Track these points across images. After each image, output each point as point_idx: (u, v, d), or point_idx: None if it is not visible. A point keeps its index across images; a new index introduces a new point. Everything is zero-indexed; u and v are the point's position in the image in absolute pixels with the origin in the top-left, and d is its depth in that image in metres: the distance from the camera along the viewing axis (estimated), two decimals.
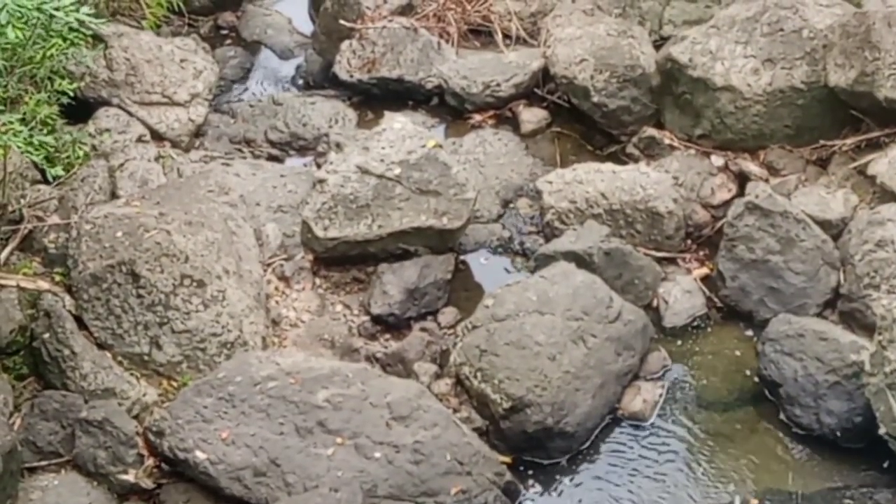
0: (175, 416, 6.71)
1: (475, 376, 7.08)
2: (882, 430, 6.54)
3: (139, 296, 7.23)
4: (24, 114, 7.53)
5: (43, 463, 6.74)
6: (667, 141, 8.82)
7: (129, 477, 6.66)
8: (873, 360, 6.64)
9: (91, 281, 7.25)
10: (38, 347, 7.09)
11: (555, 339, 7.11)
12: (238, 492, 6.44)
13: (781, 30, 8.56)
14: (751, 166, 8.52)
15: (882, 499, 6.63)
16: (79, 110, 8.50)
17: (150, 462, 6.73)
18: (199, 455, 6.53)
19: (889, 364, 6.52)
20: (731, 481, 6.88)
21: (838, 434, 6.91)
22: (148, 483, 6.68)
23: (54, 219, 7.78)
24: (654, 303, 7.83)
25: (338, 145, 8.74)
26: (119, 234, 7.33)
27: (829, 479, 6.83)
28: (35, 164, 7.80)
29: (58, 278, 7.43)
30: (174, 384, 7.12)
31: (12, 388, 6.93)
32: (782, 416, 7.11)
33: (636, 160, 8.76)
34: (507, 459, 6.84)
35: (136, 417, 6.90)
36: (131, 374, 7.13)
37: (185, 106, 9.05)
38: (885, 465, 6.71)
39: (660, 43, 9.27)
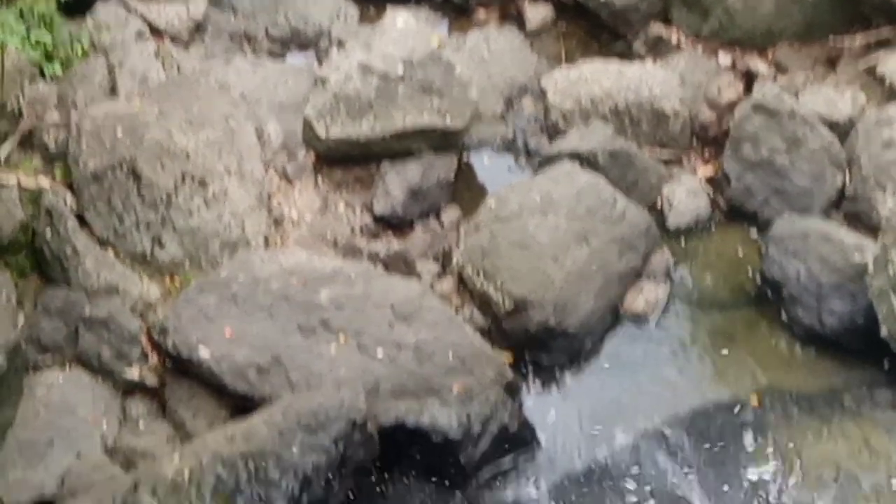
0: (178, 314, 6.73)
1: (478, 276, 7.08)
2: (884, 332, 6.55)
3: (140, 194, 7.20)
4: (21, 10, 7.42)
5: (48, 360, 6.78)
6: (674, 39, 8.69)
7: (134, 374, 6.71)
8: (877, 262, 6.63)
9: (92, 179, 7.22)
10: (39, 245, 7.08)
11: (558, 239, 7.10)
12: (242, 389, 6.48)
13: None
14: (758, 64, 8.40)
15: (882, 399, 6.67)
16: (77, 5, 8.36)
17: (154, 359, 6.76)
18: (203, 353, 6.56)
19: (893, 265, 6.50)
20: (732, 381, 6.92)
21: (840, 335, 6.93)
22: (152, 380, 6.73)
23: (54, 116, 7.70)
24: (659, 203, 7.78)
25: (339, 42, 8.62)
26: (119, 132, 7.28)
27: (830, 380, 6.87)
28: (33, 62, 7.70)
29: (58, 176, 7.38)
30: (177, 283, 7.12)
31: (15, 285, 6.93)
32: (784, 317, 7.11)
33: (642, 58, 8.65)
34: (509, 359, 6.87)
35: (139, 315, 6.91)
36: (134, 272, 7.13)
37: (185, 1, 8.90)
38: (886, 365, 6.73)
39: None
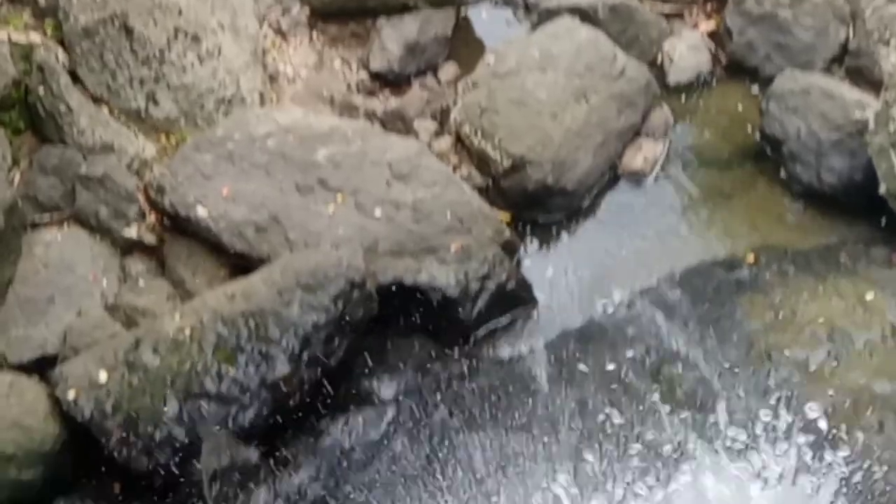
0: (175, 172, 6.69)
1: (475, 134, 7.03)
2: (882, 189, 6.55)
3: (133, 50, 7.08)
4: None
5: (45, 218, 6.77)
6: None
7: (132, 232, 6.71)
8: (878, 118, 6.58)
9: (83, 34, 7.08)
10: (33, 102, 6.98)
11: (557, 96, 7.03)
12: (240, 247, 6.49)
13: None
14: None
15: (877, 256, 6.70)
16: None
17: (151, 218, 6.75)
18: (201, 211, 6.55)
19: (894, 122, 6.46)
20: (730, 237, 6.95)
21: (838, 192, 6.92)
22: (151, 239, 6.73)
23: None
24: (659, 59, 7.69)
25: None
26: None
27: (827, 236, 6.90)
28: None
29: (49, 32, 7.23)
30: (172, 141, 7.06)
31: (10, 143, 6.87)
32: (783, 174, 7.10)
33: None
34: (507, 217, 6.88)
35: (135, 173, 6.87)
36: (129, 130, 7.06)
37: None
38: (883, 223, 6.74)
39: None
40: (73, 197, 6.75)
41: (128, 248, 6.74)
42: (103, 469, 5.84)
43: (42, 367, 6.22)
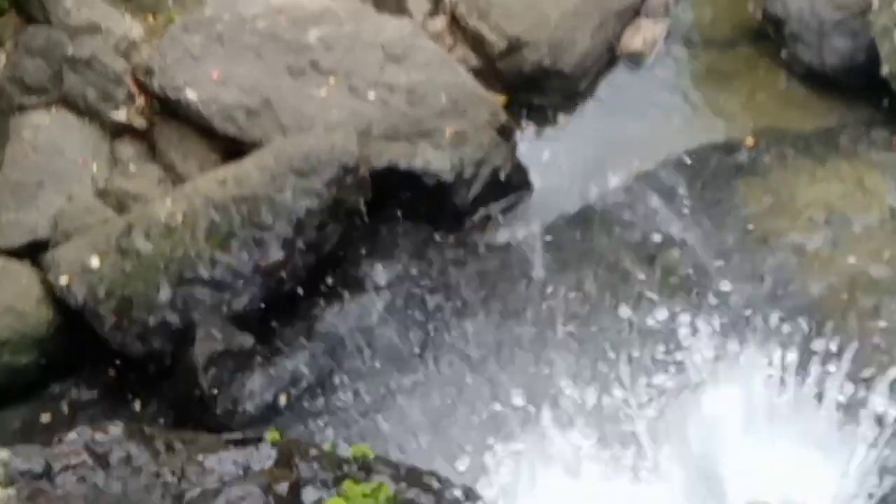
0: (163, 54, 6.55)
1: (471, 15, 6.89)
2: (884, 70, 6.45)
3: None
4: None
5: (33, 101, 6.65)
6: None
7: (121, 116, 6.60)
8: None
9: None
10: None
11: None
12: (231, 132, 6.39)
13: None
14: None
15: (878, 138, 6.62)
16: None
17: (141, 101, 6.63)
18: (190, 94, 6.43)
19: None
20: (729, 120, 6.89)
21: (839, 73, 6.82)
22: (140, 122, 6.63)
23: None
24: None
25: None
26: None
27: (827, 119, 6.81)
28: None
29: None
30: (160, 21, 6.89)
31: None
32: (784, 55, 6.98)
33: None
34: (503, 100, 6.77)
35: (123, 55, 6.73)
36: (115, 10, 6.89)
37: None
38: (884, 104, 6.64)
39: None
40: (61, 79, 6.62)
41: (117, 131, 6.63)
42: (98, 354, 5.85)
43: (34, 252, 6.18)
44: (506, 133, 6.56)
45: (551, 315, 5.87)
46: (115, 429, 4.06)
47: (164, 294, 5.75)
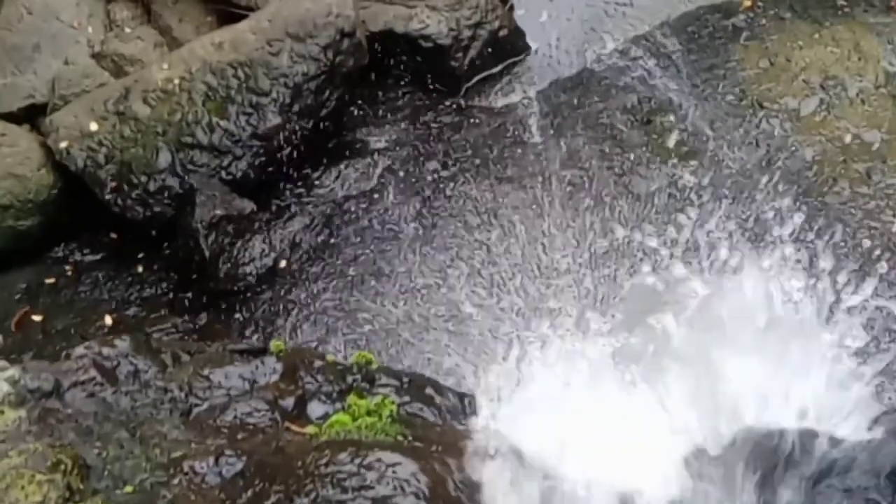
0: None
1: None
2: None
3: None
4: None
5: None
6: None
7: None
8: None
9: None
10: None
11: None
12: None
13: None
14: None
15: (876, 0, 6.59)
16: None
17: None
18: None
19: None
20: None
21: None
22: None
23: None
24: None
25: None
26: None
27: None
28: None
29: None
30: None
31: None
32: None
33: None
34: None
35: None
36: None
37: None
38: None
39: None
40: None
41: None
42: (99, 218, 5.90)
43: (32, 117, 6.21)
44: None
45: (547, 180, 5.91)
46: (123, 343, 4.05)
47: (164, 158, 5.78)
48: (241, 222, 5.67)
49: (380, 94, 6.33)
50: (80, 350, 3.98)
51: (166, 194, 5.75)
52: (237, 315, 5.49)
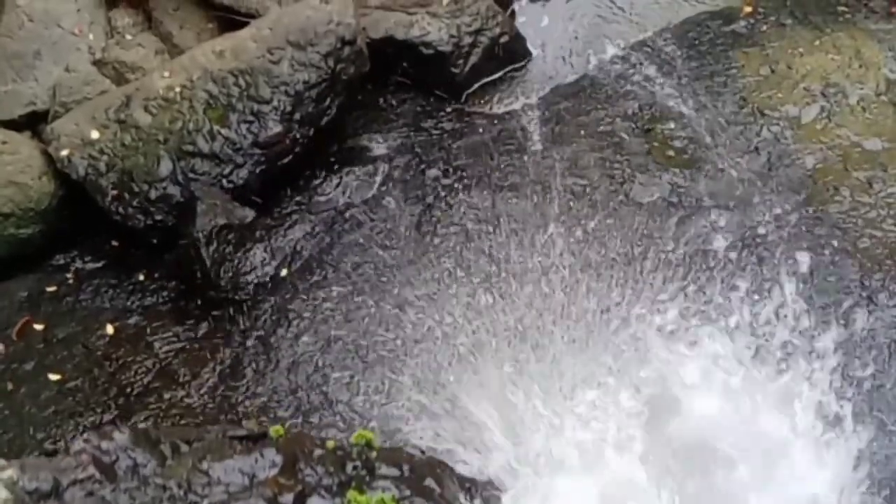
0: None
1: None
2: None
3: None
4: None
5: None
6: None
7: None
8: None
9: None
10: None
11: None
12: (226, 1, 6.36)
13: None
14: None
15: (877, 6, 6.68)
16: None
17: None
18: None
19: None
20: None
21: None
22: None
23: None
24: None
25: None
26: None
27: None
28: None
29: None
30: None
31: None
32: None
33: None
34: None
35: None
36: None
37: None
38: None
39: None
40: None
41: (113, 0, 6.58)
42: (101, 227, 5.89)
43: (33, 124, 6.21)
44: (503, 2, 6.51)
45: (547, 187, 5.91)
46: (121, 435, 3.96)
47: (165, 167, 5.78)
48: (243, 231, 5.68)
49: (381, 101, 6.34)
50: (78, 444, 3.90)
51: (167, 203, 5.76)
52: (238, 324, 5.49)
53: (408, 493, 3.99)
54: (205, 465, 3.90)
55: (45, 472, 3.74)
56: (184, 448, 4.01)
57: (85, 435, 3.95)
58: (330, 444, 4.09)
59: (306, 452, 4.05)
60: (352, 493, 3.88)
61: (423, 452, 4.21)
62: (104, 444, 3.91)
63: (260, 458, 3.98)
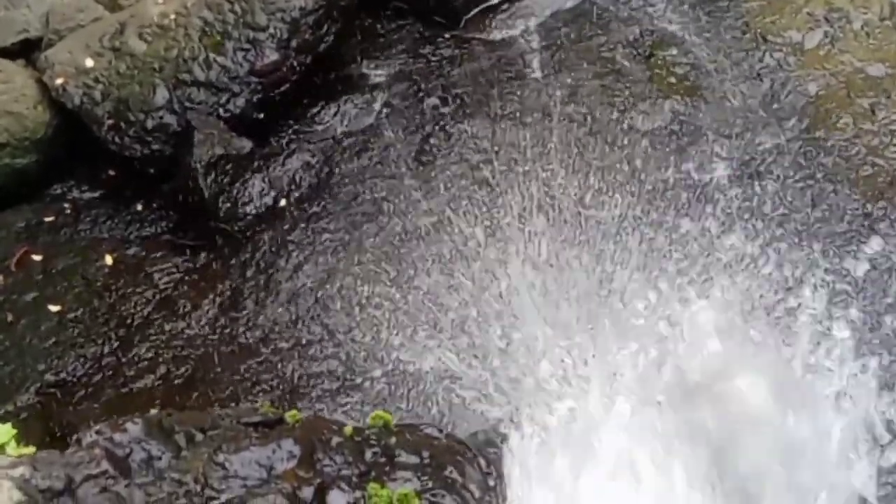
0: None
1: None
2: None
3: None
4: None
5: None
6: None
7: None
8: None
9: None
10: None
11: None
12: None
13: None
14: None
15: None
16: None
17: None
18: None
19: None
20: None
21: None
22: None
23: None
24: None
25: None
26: None
27: None
28: None
29: None
30: None
31: None
32: None
33: None
34: None
35: None
36: None
37: None
38: None
39: None
40: None
41: None
42: (98, 156, 5.85)
43: (27, 52, 6.12)
44: None
45: (548, 115, 5.86)
46: (134, 426, 3.80)
47: (161, 95, 5.71)
48: (240, 161, 5.63)
49: (378, 27, 6.26)
50: (91, 437, 3.76)
51: (164, 132, 5.69)
52: (238, 255, 5.47)
53: (430, 484, 3.87)
54: (221, 458, 3.77)
55: (57, 469, 3.62)
56: (199, 437, 3.89)
57: (97, 427, 3.81)
58: (347, 429, 3.98)
59: (323, 440, 3.92)
60: (373, 487, 3.78)
61: (441, 432, 4.12)
62: (117, 437, 3.78)
63: (277, 449, 3.84)
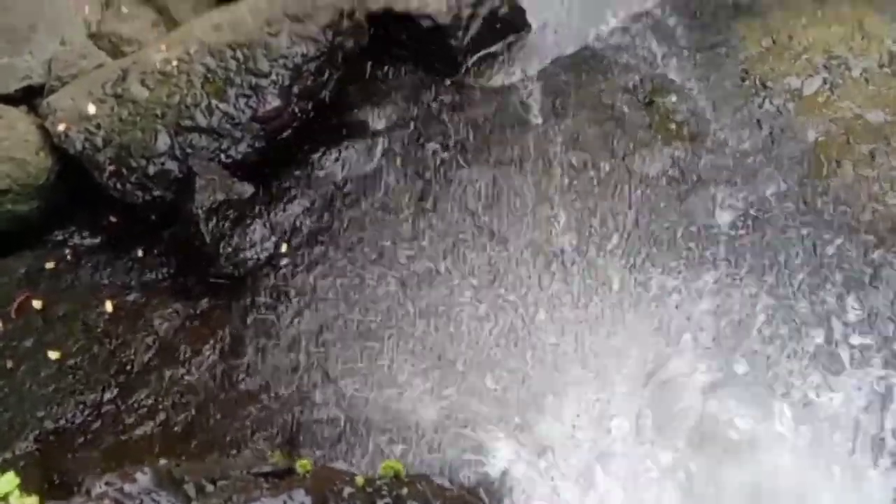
0: None
1: None
2: None
3: None
4: None
5: None
6: None
7: None
8: None
9: None
10: None
11: None
12: None
13: None
14: None
15: None
16: None
17: None
18: None
19: None
20: None
21: None
22: None
23: None
24: None
25: None
26: None
27: None
28: None
29: None
30: None
31: None
32: None
33: None
34: None
35: None
36: None
37: None
38: None
39: None
40: None
41: None
42: (99, 202, 5.84)
43: (30, 99, 6.14)
44: None
45: (548, 162, 5.87)
46: (144, 477, 3.77)
47: (163, 142, 5.73)
48: (242, 207, 5.63)
49: (379, 74, 6.28)
50: (100, 487, 3.74)
51: (165, 178, 5.70)
52: (238, 301, 5.46)
53: None
54: None
55: None
56: (209, 488, 3.85)
57: (106, 477, 3.78)
58: (359, 479, 3.93)
59: (335, 491, 3.86)
60: None
61: (451, 482, 4.05)
62: (126, 487, 3.74)
63: (289, 500, 3.77)
